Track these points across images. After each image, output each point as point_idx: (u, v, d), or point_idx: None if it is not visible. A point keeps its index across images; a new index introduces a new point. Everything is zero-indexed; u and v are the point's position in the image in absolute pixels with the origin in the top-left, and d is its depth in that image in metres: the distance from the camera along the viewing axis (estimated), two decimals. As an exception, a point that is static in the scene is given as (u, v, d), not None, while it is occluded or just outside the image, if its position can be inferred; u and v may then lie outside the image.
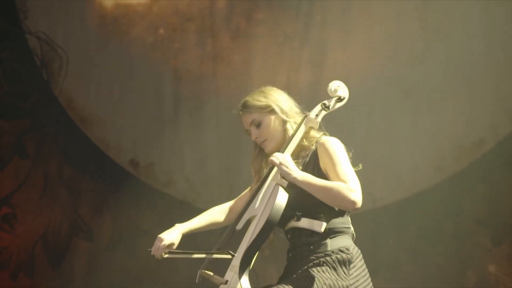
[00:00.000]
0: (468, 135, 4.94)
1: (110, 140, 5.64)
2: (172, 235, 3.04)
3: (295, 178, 2.88)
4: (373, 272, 5.25)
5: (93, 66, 5.70)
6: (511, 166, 4.80)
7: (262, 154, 3.15)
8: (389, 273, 4.99)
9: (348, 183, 2.84)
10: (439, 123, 5.00)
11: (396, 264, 5.02)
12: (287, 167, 2.90)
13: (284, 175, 2.90)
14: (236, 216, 3.09)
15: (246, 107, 3.10)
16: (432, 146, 5.01)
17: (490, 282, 4.80)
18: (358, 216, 5.23)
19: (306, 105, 5.52)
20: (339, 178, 2.87)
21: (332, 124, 4.93)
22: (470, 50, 4.98)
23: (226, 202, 3.25)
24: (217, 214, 3.21)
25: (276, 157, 2.93)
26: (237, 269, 2.81)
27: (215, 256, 2.90)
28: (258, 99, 3.10)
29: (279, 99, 3.11)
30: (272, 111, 3.07)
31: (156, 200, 5.50)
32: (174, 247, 3.03)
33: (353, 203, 2.82)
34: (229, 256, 2.85)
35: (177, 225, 3.10)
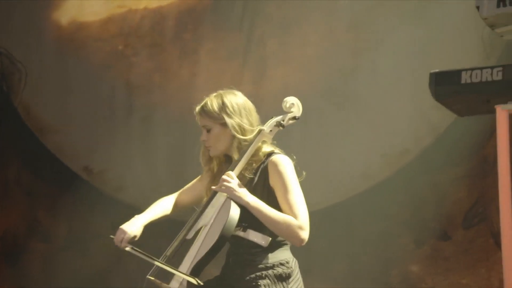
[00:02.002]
0: (393, 145, 5.15)
1: (65, 148, 5.84)
2: (135, 227, 2.99)
3: (247, 202, 2.88)
4: (307, 271, 5.48)
5: (50, 78, 5.91)
6: (432, 174, 5.02)
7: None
8: (321, 272, 5.20)
9: (298, 219, 2.89)
10: (367, 134, 5.22)
11: (328, 264, 5.22)
12: (239, 193, 2.89)
13: (236, 199, 2.90)
14: (180, 209, 3.15)
15: (202, 109, 3.07)
16: (361, 155, 5.23)
17: (412, 281, 5.03)
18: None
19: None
20: (290, 210, 2.90)
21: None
22: (395, 67, 5.20)
23: (171, 194, 3.27)
24: (167, 205, 3.19)
25: (228, 180, 2.91)
26: (185, 282, 2.82)
27: (177, 273, 2.83)
28: (214, 108, 3.04)
29: (234, 114, 3.04)
30: (224, 125, 3.02)
31: (108, 205, 5.69)
32: (136, 239, 2.99)
33: (301, 241, 2.90)
34: (192, 280, 2.79)
35: (137, 216, 3.08)
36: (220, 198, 2.94)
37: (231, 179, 2.91)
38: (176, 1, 5.82)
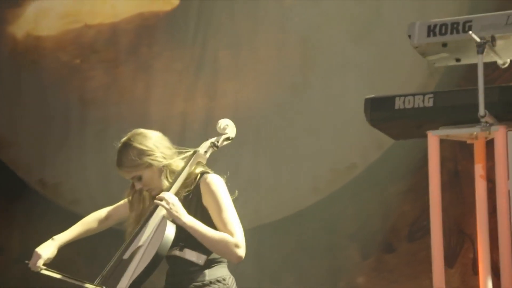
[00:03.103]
0: (341, 160, 5.25)
1: (20, 161, 5.84)
2: (49, 250, 3.09)
3: (184, 223, 2.91)
4: (257, 283, 5.55)
5: (5, 92, 5.90)
6: (378, 188, 5.13)
7: None
8: (271, 284, 5.27)
9: (235, 237, 2.91)
10: (317, 149, 5.32)
11: (278, 275, 5.30)
12: (176, 211, 2.92)
13: (173, 218, 2.93)
14: (113, 223, 3.20)
15: (122, 167, 3.08)
16: (310, 169, 5.32)
17: (359, 292, 5.13)
18: (245, 231, 5.51)
19: (201, 132, 5.82)
20: (225, 228, 2.92)
21: (224, 147, 5.22)
22: (343, 84, 5.30)
23: (103, 209, 3.32)
24: (92, 222, 3.24)
25: (166, 200, 2.94)
26: None
27: (87, 285, 2.93)
28: (132, 158, 3.04)
29: (153, 151, 3.05)
30: (150, 165, 3.03)
31: (63, 217, 5.68)
32: (50, 261, 3.08)
33: (238, 258, 2.91)
34: None
35: (54, 237, 3.15)
36: (156, 218, 2.97)
37: (170, 198, 2.94)
38: (130, 16, 5.87)
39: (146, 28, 5.85)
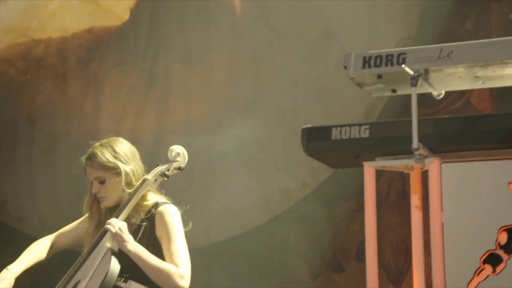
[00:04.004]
0: (292, 179, 5.27)
1: (-35, 179, 5.76)
2: (6, 282, 3.02)
3: (128, 250, 2.91)
4: (207, 302, 5.48)
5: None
6: (327, 207, 5.16)
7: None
8: (221, 303, 5.28)
9: (180, 268, 2.91)
10: (267, 168, 5.32)
11: (228, 295, 5.30)
12: (122, 238, 2.93)
13: (118, 244, 2.93)
14: (57, 251, 3.16)
15: (93, 161, 3.05)
16: (261, 188, 5.33)
17: (308, 312, 5.15)
18: (196, 250, 5.51)
19: (151, 148, 5.79)
20: (172, 259, 2.93)
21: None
22: (294, 101, 5.32)
23: (46, 236, 3.29)
24: (40, 251, 3.21)
25: (113, 226, 2.94)
26: None
27: None
28: (108, 158, 3.04)
29: (128, 162, 3.07)
30: (118, 173, 3.03)
31: (10, 236, 5.63)
32: None
33: None
34: None
35: (8, 268, 3.09)
36: (102, 250, 2.96)
37: (117, 224, 2.94)
38: (80, 31, 5.83)
39: (96, 43, 5.82)
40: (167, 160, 3.21)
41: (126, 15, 5.78)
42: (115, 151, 3.07)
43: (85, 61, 5.84)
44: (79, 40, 5.84)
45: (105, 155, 3.05)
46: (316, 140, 2.88)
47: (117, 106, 5.77)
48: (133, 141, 5.87)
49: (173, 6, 5.66)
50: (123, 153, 3.08)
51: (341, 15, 5.17)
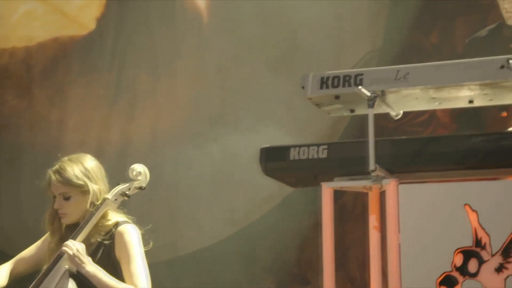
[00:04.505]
0: (258, 191, 5.27)
1: None
2: None
3: (87, 272, 2.91)
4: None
5: None
6: (294, 220, 5.17)
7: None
8: (186, 317, 5.27)
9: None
10: (234, 180, 5.33)
11: (193, 308, 5.30)
12: (80, 259, 2.93)
13: (76, 266, 2.93)
14: (17, 277, 3.15)
15: (61, 176, 3.03)
16: (227, 200, 5.33)
17: (274, 325, 5.15)
18: (163, 263, 5.50)
19: (117, 159, 5.76)
20: (131, 280, 2.94)
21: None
22: (261, 113, 5.34)
23: (6, 263, 3.25)
24: (1, 278, 3.16)
25: (70, 248, 2.93)
26: None
27: None
28: (77, 175, 3.02)
29: (97, 180, 3.07)
30: (86, 192, 3.03)
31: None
32: None
33: None
34: None
35: None
36: (59, 271, 2.95)
37: (74, 245, 2.93)
38: (45, 40, 5.80)
39: (62, 53, 5.79)
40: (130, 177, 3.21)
41: (92, 25, 5.75)
42: (85, 168, 3.06)
43: (50, 71, 5.81)
44: (44, 50, 5.81)
45: (75, 171, 3.03)
46: (274, 160, 2.87)
47: (82, 116, 5.74)
48: (98, 152, 5.87)
49: (139, 16, 5.65)
50: (92, 171, 3.08)
51: (308, 27, 5.19)
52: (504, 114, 3.24)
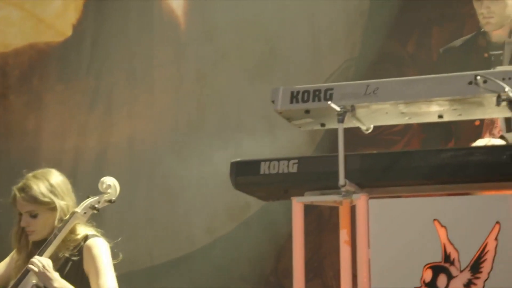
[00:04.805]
0: (236, 200, 5.26)
1: None
2: None
3: (54, 287, 2.91)
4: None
5: None
6: (271, 228, 5.17)
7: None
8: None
9: None
10: (212, 188, 5.32)
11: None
12: (47, 276, 2.92)
13: (43, 283, 2.93)
14: None
15: (27, 194, 3.02)
16: (205, 208, 5.33)
17: (253, 335, 5.15)
18: (139, 272, 5.47)
19: (93, 168, 5.73)
20: None
21: (118, 183, 5.11)
22: (239, 121, 5.34)
23: None
24: None
25: (36, 265, 2.93)
26: None
27: None
28: (43, 192, 3.02)
29: (64, 196, 3.06)
30: (53, 209, 3.03)
31: None
32: None
33: None
34: None
35: None
36: (27, 286, 2.95)
37: (41, 262, 2.93)
38: (21, 47, 5.77)
39: (38, 59, 5.76)
40: (109, 185, 3.19)
41: (68, 31, 5.73)
42: (51, 185, 3.05)
43: (27, 77, 5.78)
44: (20, 56, 5.78)
45: (41, 189, 3.02)
46: (245, 175, 2.88)
47: (59, 123, 5.72)
48: (75, 161, 5.84)
49: (116, 23, 5.64)
50: (58, 187, 3.06)
51: (285, 35, 5.20)
52: (477, 123, 3.26)
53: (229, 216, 5.28)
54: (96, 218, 5.29)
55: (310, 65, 5.12)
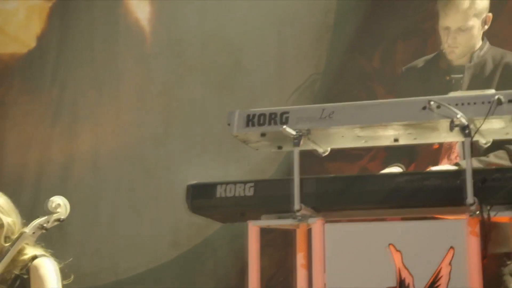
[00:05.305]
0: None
1: None
2: None
3: None
4: None
5: None
6: (236, 242, 5.16)
7: None
8: None
9: None
10: (177, 202, 5.28)
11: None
12: None
13: None
14: None
15: None
16: (171, 222, 5.31)
17: None
18: (101, 287, 5.42)
19: (57, 181, 5.68)
20: None
21: (79, 198, 5.11)
22: (205, 133, 5.33)
23: None
24: None
25: None
26: None
27: None
28: None
29: (10, 213, 3.09)
30: (1, 226, 3.06)
31: None
32: None
33: None
34: None
35: None
36: None
37: None
38: (-17, 59, 5.74)
39: (2, 71, 5.72)
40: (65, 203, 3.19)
41: (33, 43, 5.69)
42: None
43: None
44: (-18, 68, 5.75)
45: None
46: (201, 198, 2.87)
47: (23, 135, 5.67)
48: (38, 174, 5.79)
49: (81, 34, 5.61)
50: (3, 205, 3.10)
51: (250, 48, 5.20)
52: (436, 146, 3.28)
53: (194, 230, 5.27)
54: (58, 233, 5.25)
55: (276, 78, 5.13)
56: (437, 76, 3.40)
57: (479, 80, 3.29)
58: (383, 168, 3.31)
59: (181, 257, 5.28)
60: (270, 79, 5.12)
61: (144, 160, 5.43)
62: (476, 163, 3.08)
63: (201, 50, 5.34)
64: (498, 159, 3.15)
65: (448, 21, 3.29)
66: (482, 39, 3.36)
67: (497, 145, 2.85)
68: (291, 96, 5.08)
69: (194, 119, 5.36)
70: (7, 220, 3.04)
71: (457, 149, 3.18)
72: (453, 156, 3.24)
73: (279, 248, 5.06)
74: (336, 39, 4.93)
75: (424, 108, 2.56)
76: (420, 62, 3.54)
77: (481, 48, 3.34)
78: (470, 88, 3.25)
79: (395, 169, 3.24)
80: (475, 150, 2.73)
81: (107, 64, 5.56)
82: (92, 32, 5.57)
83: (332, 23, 4.93)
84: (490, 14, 3.32)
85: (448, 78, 3.34)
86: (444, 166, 3.09)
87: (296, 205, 2.67)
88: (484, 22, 3.32)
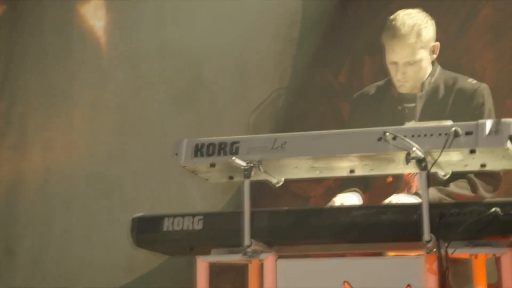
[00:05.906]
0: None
1: None
2: None
3: None
4: None
5: None
6: (192, 267, 5.15)
7: None
8: None
9: None
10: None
11: None
12: None
13: None
14: None
15: None
16: (126, 246, 5.28)
17: None
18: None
19: (5, 199, 5.63)
20: None
21: (28, 219, 5.08)
22: (163, 150, 5.32)
23: None
24: None
25: None
26: None
27: None
28: None
29: None
30: None
31: None
32: None
33: None
34: None
35: None
36: None
37: None
38: None
39: None
40: None
41: (-19, 51, 5.66)
42: None
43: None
44: None
45: None
46: (146, 232, 2.86)
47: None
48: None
49: (32, 44, 5.58)
50: None
51: (212, 61, 5.20)
52: (390, 179, 3.30)
53: (150, 253, 5.25)
54: (5, 257, 5.22)
55: (239, 93, 5.14)
56: (389, 104, 3.42)
57: (432, 106, 3.31)
58: (340, 192, 3.31)
59: (137, 281, 5.27)
60: (232, 94, 5.13)
61: (98, 179, 5.41)
62: (435, 193, 3.10)
63: (160, 63, 5.34)
64: (459, 188, 3.17)
65: (395, 56, 3.31)
66: (433, 64, 3.38)
67: (459, 172, 2.87)
68: (253, 112, 5.09)
69: (152, 136, 5.35)
70: None
71: (416, 180, 3.20)
72: (413, 186, 3.26)
73: (241, 272, 5.06)
74: (300, 54, 4.95)
75: (379, 139, 2.57)
76: (372, 89, 3.54)
77: (431, 75, 3.36)
78: (423, 115, 3.27)
79: (351, 195, 3.25)
80: (435, 178, 2.75)
81: (60, 76, 5.53)
82: (43, 42, 5.54)
83: (296, 36, 4.95)
84: (437, 43, 3.34)
85: (400, 108, 3.36)
86: (404, 197, 3.11)
87: (247, 240, 2.67)
88: (432, 52, 3.34)
